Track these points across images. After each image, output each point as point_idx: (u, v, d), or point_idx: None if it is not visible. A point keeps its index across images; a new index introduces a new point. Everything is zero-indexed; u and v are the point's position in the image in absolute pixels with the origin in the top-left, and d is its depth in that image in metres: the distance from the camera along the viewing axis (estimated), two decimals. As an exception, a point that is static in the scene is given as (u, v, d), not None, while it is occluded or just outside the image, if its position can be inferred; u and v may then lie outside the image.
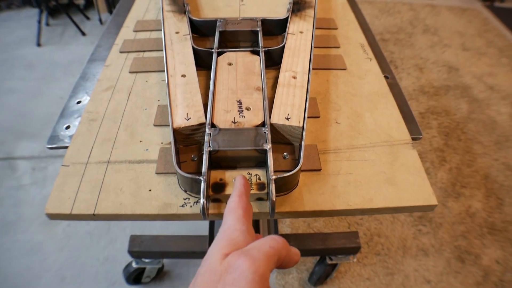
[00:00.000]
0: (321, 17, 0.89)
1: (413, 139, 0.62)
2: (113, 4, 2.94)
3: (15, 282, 1.41)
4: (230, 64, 0.65)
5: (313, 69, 0.70)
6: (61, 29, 2.94)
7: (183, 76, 0.63)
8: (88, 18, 3.02)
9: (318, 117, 0.62)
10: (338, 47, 0.79)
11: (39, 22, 2.73)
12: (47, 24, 2.97)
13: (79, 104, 0.70)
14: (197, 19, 0.78)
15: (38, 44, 2.74)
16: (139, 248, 1.19)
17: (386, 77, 0.75)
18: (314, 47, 0.74)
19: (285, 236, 1.21)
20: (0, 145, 2.01)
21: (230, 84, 0.61)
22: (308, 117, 0.60)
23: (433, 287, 1.39)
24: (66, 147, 0.61)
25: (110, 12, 3.00)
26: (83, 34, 2.83)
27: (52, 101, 2.26)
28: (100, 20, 2.95)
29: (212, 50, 0.68)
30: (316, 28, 0.81)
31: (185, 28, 0.75)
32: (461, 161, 1.89)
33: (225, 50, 0.68)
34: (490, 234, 1.57)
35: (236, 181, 0.44)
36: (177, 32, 0.73)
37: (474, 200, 1.71)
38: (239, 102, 0.57)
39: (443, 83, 2.36)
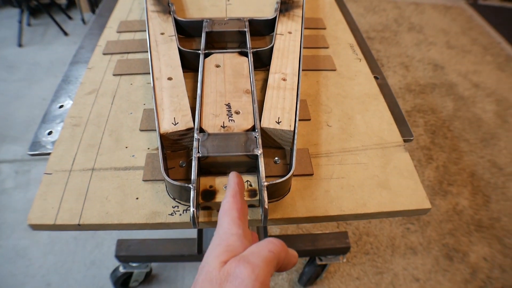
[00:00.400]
0: (309, 17, 0.87)
1: (404, 141, 0.62)
2: (96, 3, 2.89)
3: (-1, 289, 1.37)
4: (217, 66, 0.63)
5: (302, 70, 0.69)
6: (43, 29, 2.88)
7: (169, 79, 0.61)
8: (70, 18, 2.97)
9: (309, 119, 0.61)
10: (327, 48, 0.78)
11: (20, 22, 2.67)
12: (29, 24, 2.91)
13: (61, 109, 0.67)
14: (183, 19, 0.76)
15: (20, 45, 2.68)
16: (126, 252, 1.16)
17: (376, 78, 0.74)
18: (303, 48, 0.73)
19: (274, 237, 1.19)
20: (-18, 149, 1.95)
21: (218, 87, 0.59)
22: (299, 120, 0.59)
23: (421, 285, 1.40)
24: (48, 154, 0.58)
25: (93, 11, 2.94)
26: (66, 34, 2.78)
27: (35, 103, 2.22)
28: (83, 20, 2.90)
29: (199, 51, 0.66)
30: (305, 28, 0.80)
31: (171, 28, 0.72)
32: (447, 159, 1.90)
33: (212, 51, 0.66)
34: (477, 232, 1.58)
35: (229, 179, 0.43)
36: (162, 33, 0.71)
37: (461, 197, 1.72)
38: (228, 105, 0.56)
39: (429, 81, 2.38)
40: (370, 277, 1.41)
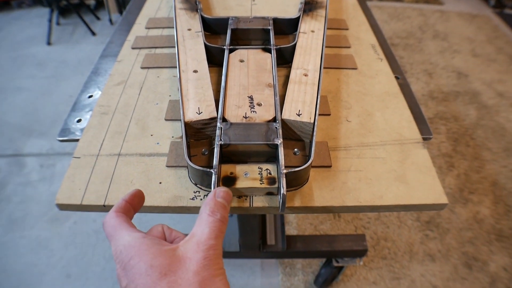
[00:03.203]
0: (332, 18, 0.89)
1: (423, 139, 0.62)
2: (124, 5, 2.96)
3: (21, 278, 1.42)
4: (241, 61, 0.65)
5: (324, 68, 0.70)
6: (72, 28, 2.97)
7: (195, 71, 0.63)
8: (98, 18, 3.05)
9: (329, 115, 0.62)
10: (349, 47, 0.79)
11: (50, 21, 2.76)
12: (58, 24, 3.00)
13: (90, 99, 0.70)
14: (209, 17, 0.78)
15: (49, 43, 2.77)
16: (145, 246, 1.19)
17: (396, 78, 0.74)
18: (325, 47, 0.74)
19: (292, 238, 1.20)
20: (9, 142, 2.02)
21: (241, 80, 0.61)
22: (319, 115, 0.60)
23: (439, 292, 1.39)
24: (77, 140, 0.61)
25: (121, 12, 3.02)
26: (93, 34, 2.86)
27: (61, 99, 2.28)
28: (110, 21, 2.97)
29: (224, 47, 0.68)
30: (327, 28, 0.81)
31: (197, 25, 0.75)
32: (469, 167, 1.88)
33: (236, 47, 0.68)
34: (498, 241, 1.56)
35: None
36: (189, 29, 0.74)
37: (482, 206, 1.70)
38: (251, 97, 0.57)
39: (452, 89, 2.35)
40: (387, 282, 1.40)
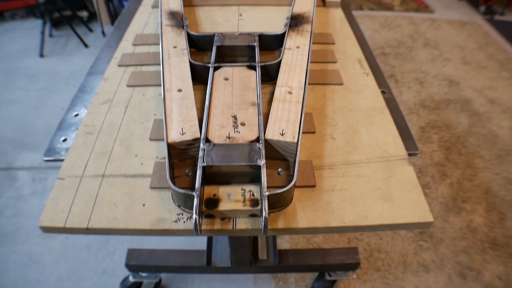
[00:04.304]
0: (319, 32, 0.89)
1: (409, 154, 0.62)
2: (116, 17, 2.97)
3: (12, 294, 1.40)
4: (226, 79, 0.65)
5: (309, 84, 0.70)
6: (64, 40, 2.96)
7: (179, 90, 0.63)
8: (91, 30, 3.05)
9: (314, 132, 0.62)
10: (335, 62, 0.79)
11: (42, 33, 2.75)
12: (51, 36, 3.00)
13: (76, 117, 0.70)
14: (195, 33, 0.78)
15: (41, 55, 2.77)
16: (137, 261, 1.18)
17: (383, 92, 0.75)
18: (311, 62, 0.74)
19: (284, 252, 1.20)
20: (1, 155, 2.01)
21: (225, 99, 0.61)
22: (303, 133, 0.60)
23: (433, 303, 1.38)
24: (62, 160, 0.61)
25: (113, 24, 3.02)
26: (86, 46, 2.85)
27: (54, 112, 2.27)
28: (103, 33, 2.97)
29: (209, 65, 0.68)
30: (314, 43, 0.81)
31: (183, 42, 0.75)
32: (462, 175, 1.88)
33: (221, 65, 0.68)
34: (492, 250, 1.56)
35: None
36: (174, 47, 0.74)
37: (475, 215, 1.70)
38: (234, 117, 0.57)
39: (443, 97, 2.36)
40: (380, 294, 1.40)
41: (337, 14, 0.99)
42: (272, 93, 0.65)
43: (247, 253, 1.07)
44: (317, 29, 0.90)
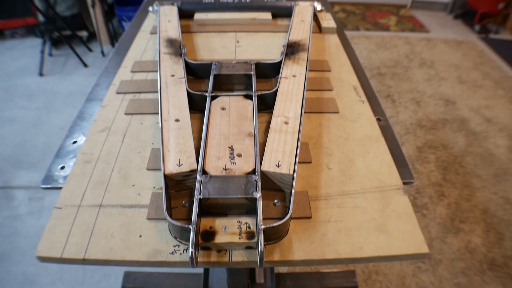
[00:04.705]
0: (315, 59, 0.90)
1: (404, 183, 0.63)
2: (115, 37, 3.00)
3: (6, 316, 1.39)
4: (223, 109, 0.66)
5: (305, 112, 0.71)
6: (64, 59, 2.99)
7: (177, 120, 0.64)
8: (90, 50, 3.08)
9: (310, 162, 0.63)
10: (331, 90, 0.80)
11: (42, 52, 2.78)
12: (50, 55, 3.02)
13: (74, 144, 0.71)
14: (193, 61, 0.80)
15: (41, 74, 2.79)
16: (133, 284, 1.17)
17: (378, 120, 0.76)
18: (308, 90, 0.75)
19: (282, 276, 1.19)
20: (-2, 174, 2.01)
21: (222, 129, 0.61)
22: (299, 162, 0.61)
23: (432, 326, 1.37)
24: (60, 188, 0.61)
25: (112, 44, 3.05)
26: (85, 65, 2.88)
27: (52, 131, 2.28)
28: (102, 52, 3.00)
29: (206, 94, 0.69)
30: (310, 71, 0.83)
31: (181, 71, 0.76)
32: (459, 195, 1.88)
33: (218, 94, 0.69)
34: (491, 270, 1.55)
35: None
36: (172, 75, 0.75)
37: (474, 235, 1.70)
38: (231, 148, 0.58)
39: (440, 117, 2.38)
40: (379, 316, 1.39)
41: (333, 40, 1.01)
42: (269, 122, 0.66)
43: (245, 277, 1.07)
44: (313, 56, 0.92)
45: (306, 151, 0.64)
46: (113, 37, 3.01)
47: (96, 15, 2.87)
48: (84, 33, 3.14)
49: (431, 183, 1.94)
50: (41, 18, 2.82)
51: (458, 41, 3.32)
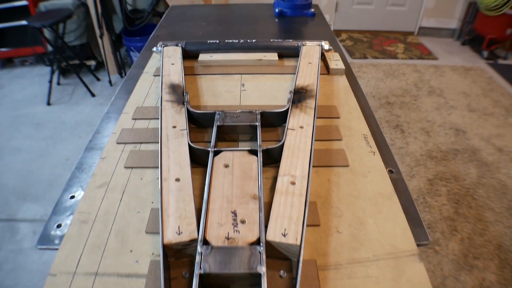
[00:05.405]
0: (323, 105, 0.87)
1: (419, 245, 0.59)
2: (123, 66, 3.02)
3: None
4: (226, 166, 0.63)
5: (314, 166, 0.68)
6: (72, 88, 3.01)
7: (177, 180, 0.61)
8: (98, 79, 3.10)
9: (318, 225, 0.59)
10: (340, 140, 0.77)
11: (50, 82, 2.80)
12: (58, 83, 3.05)
13: (72, 200, 0.68)
14: (196, 111, 0.77)
15: (48, 103, 2.80)
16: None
17: (390, 171, 0.72)
18: (316, 140, 0.72)
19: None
20: (3, 205, 2.00)
21: (225, 190, 0.58)
22: (307, 226, 0.57)
23: None
24: (56, 249, 0.58)
25: (120, 74, 3.07)
26: (93, 95, 2.89)
27: (58, 163, 2.27)
28: (110, 82, 3.02)
29: (209, 149, 0.66)
30: (318, 118, 0.79)
31: (183, 121, 0.73)
32: (472, 230, 1.82)
33: (221, 149, 0.66)
34: (507, 311, 1.49)
35: None
36: (174, 126, 0.72)
37: (488, 272, 1.64)
38: (234, 213, 0.55)
39: (450, 147, 2.34)
40: None
41: (342, 82, 0.98)
42: (274, 178, 0.63)
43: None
44: (321, 101, 0.89)
45: (314, 212, 0.61)
46: (121, 67, 3.03)
47: (104, 45, 2.90)
48: (92, 62, 3.17)
49: (443, 217, 1.88)
50: (50, 47, 2.85)
51: (466, 68, 3.30)
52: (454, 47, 3.77)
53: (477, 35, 3.61)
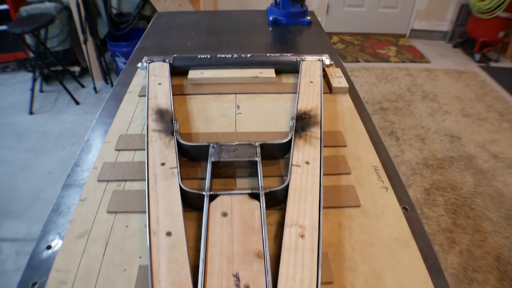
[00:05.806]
0: (328, 130, 0.79)
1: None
2: (108, 72, 2.91)
3: None
4: (224, 215, 0.55)
5: (323, 208, 0.60)
6: (55, 96, 2.89)
7: (168, 234, 0.52)
8: (83, 86, 2.98)
9: (331, 282, 0.51)
10: (349, 174, 0.69)
11: (32, 90, 2.68)
12: (41, 91, 2.93)
13: (49, 251, 0.59)
14: (187, 143, 0.69)
15: (31, 112, 2.68)
16: None
17: (404, 209, 0.65)
18: (324, 175, 0.64)
19: None
20: (-16, 223, 1.89)
21: (225, 247, 0.50)
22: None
23: None
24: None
25: (105, 80, 2.96)
26: (77, 103, 2.77)
27: (41, 176, 2.17)
28: (95, 89, 2.90)
29: (203, 192, 0.58)
30: (323, 147, 0.71)
31: (172, 157, 0.65)
32: (471, 241, 1.78)
33: (218, 193, 0.58)
34: (509, 327, 1.44)
35: None
36: (162, 164, 0.64)
37: (488, 285, 1.61)
38: (236, 276, 0.47)
39: (446, 154, 2.29)
40: None
41: (346, 103, 0.90)
42: (279, 224, 0.55)
43: None
44: (325, 125, 0.81)
45: (326, 266, 0.53)
46: (106, 73, 2.92)
47: (89, 51, 2.79)
48: (76, 68, 3.05)
49: (441, 229, 1.83)
50: (31, 53, 2.74)
51: (459, 71, 3.26)
52: (446, 50, 3.73)
53: (468, 37, 3.58)
